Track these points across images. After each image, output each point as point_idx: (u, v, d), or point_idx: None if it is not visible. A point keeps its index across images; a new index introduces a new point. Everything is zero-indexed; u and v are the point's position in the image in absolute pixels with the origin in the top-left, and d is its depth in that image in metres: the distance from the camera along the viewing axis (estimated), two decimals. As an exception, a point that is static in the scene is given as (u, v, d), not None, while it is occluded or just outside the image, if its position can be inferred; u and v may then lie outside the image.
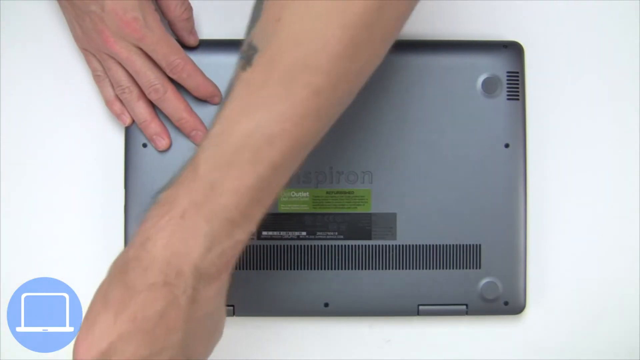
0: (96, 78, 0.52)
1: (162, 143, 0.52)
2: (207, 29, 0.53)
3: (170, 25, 0.51)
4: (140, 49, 0.49)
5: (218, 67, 0.52)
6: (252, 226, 0.39)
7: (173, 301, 0.38)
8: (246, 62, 0.38)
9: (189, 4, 0.51)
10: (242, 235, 0.39)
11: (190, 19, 0.51)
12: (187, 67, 0.50)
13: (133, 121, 0.52)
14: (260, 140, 0.37)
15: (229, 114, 0.38)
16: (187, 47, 0.52)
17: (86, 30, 0.49)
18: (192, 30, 0.52)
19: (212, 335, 0.42)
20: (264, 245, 0.52)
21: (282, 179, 0.39)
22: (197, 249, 0.38)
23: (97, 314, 0.39)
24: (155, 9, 0.49)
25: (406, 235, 0.52)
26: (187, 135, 0.52)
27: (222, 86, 0.52)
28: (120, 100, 0.52)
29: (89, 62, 0.52)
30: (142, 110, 0.51)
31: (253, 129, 0.37)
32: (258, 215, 0.39)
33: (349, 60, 0.37)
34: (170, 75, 0.50)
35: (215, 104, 0.52)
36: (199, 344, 0.41)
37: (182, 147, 0.52)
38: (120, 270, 0.39)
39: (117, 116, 0.52)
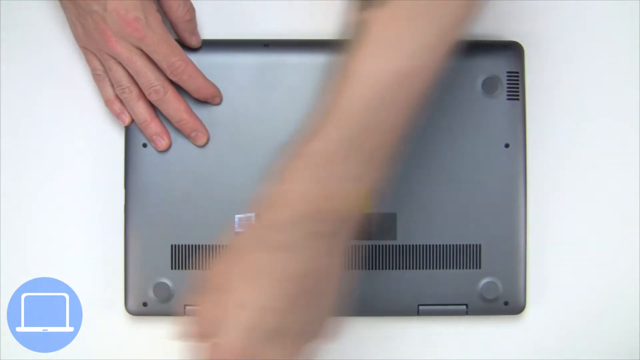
0: (96, 77, 0.52)
1: (162, 143, 0.52)
2: (209, 29, 0.53)
3: (172, 26, 0.51)
4: (141, 50, 0.49)
5: (219, 67, 0.52)
6: (387, 163, 0.40)
7: (329, 249, 0.39)
8: (378, 2, 0.39)
9: (192, 5, 0.51)
10: (379, 172, 0.40)
11: (192, 20, 0.51)
12: (187, 69, 0.50)
13: (132, 121, 0.52)
14: (401, 76, 0.38)
15: (366, 54, 0.38)
16: (188, 49, 0.51)
17: (88, 30, 0.49)
18: (195, 32, 0.52)
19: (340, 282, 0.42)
20: (264, 245, 0.52)
21: (413, 110, 0.40)
22: (350, 193, 0.39)
23: (242, 288, 0.38)
24: (157, 9, 0.49)
25: (406, 235, 0.52)
26: (187, 136, 0.52)
27: (223, 86, 0.52)
28: (120, 100, 0.52)
29: (89, 61, 0.52)
30: (142, 110, 0.51)
31: (393, 66, 0.38)
32: (393, 151, 0.40)
33: None
34: (171, 77, 0.50)
35: (215, 105, 0.52)
36: (335, 290, 0.41)
37: (182, 147, 0.52)
38: (262, 235, 0.39)
39: (117, 116, 0.52)
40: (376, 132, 0.38)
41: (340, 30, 0.41)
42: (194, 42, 0.52)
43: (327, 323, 0.41)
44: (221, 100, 0.52)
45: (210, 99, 0.51)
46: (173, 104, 0.51)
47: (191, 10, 0.51)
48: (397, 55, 0.38)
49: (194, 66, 0.50)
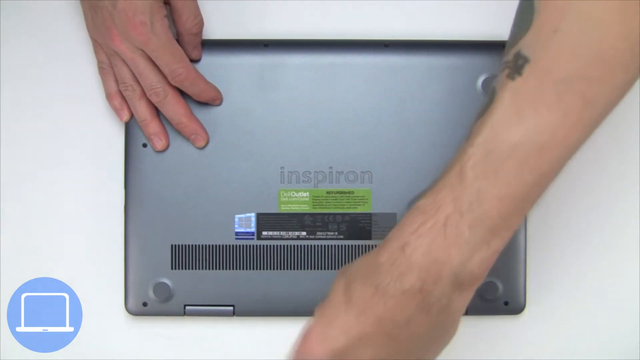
0: (101, 70, 0.52)
1: (160, 144, 0.52)
2: (209, 29, 0.53)
3: (177, 35, 0.51)
4: (145, 52, 0.49)
5: (219, 68, 0.52)
6: (509, 234, 0.39)
7: (424, 308, 0.38)
8: (514, 71, 0.38)
9: (202, 19, 0.51)
10: (500, 244, 0.39)
11: (198, 34, 0.51)
12: (189, 76, 0.50)
13: (131, 117, 0.52)
14: (529, 148, 0.37)
15: (497, 122, 0.38)
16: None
17: (97, 24, 0.49)
18: (197, 46, 0.51)
19: (446, 342, 0.42)
20: (264, 245, 0.52)
21: (544, 187, 0.39)
22: (457, 257, 0.38)
23: (337, 310, 0.39)
24: (166, 15, 0.49)
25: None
26: (187, 139, 0.52)
27: (223, 86, 0.52)
28: (121, 95, 0.52)
29: (96, 53, 0.52)
30: (143, 109, 0.51)
31: (523, 137, 0.37)
32: (516, 224, 0.39)
33: (624, 71, 0.38)
34: (172, 82, 0.50)
35: (216, 106, 0.52)
36: (432, 350, 0.41)
37: (182, 147, 0.52)
38: (369, 271, 0.39)
39: (116, 111, 0.52)
40: (491, 200, 0.38)
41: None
42: (194, 55, 0.52)
43: None
44: (222, 101, 0.52)
45: (211, 101, 0.52)
46: (173, 107, 0.51)
47: (200, 24, 0.51)
48: (523, 127, 0.37)
49: (196, 72, 0.50)
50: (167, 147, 0.52)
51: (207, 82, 0.51)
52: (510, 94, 0.38)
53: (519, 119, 0.37)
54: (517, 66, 0.38)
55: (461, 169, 0.38)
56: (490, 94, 0.40)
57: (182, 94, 0.51)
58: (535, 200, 0.39)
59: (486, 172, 0.38)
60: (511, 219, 0.38)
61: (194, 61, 0.52)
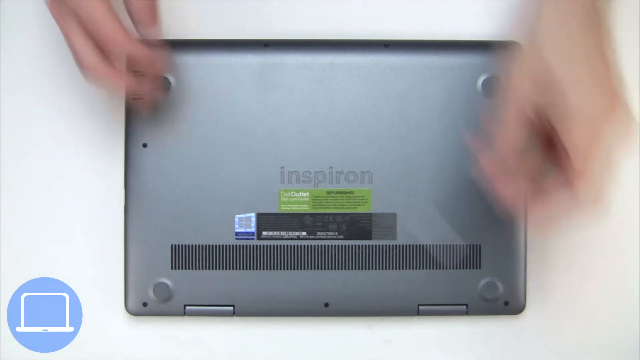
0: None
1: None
2: (209, 29, 0.53)
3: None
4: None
5: (219, 67, 0.52)
6: None
7: None
8: None
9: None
10: None
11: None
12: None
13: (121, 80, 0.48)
14: None
15: None
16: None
17: None
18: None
19: None
20: (264, 245, 0.52)
21: None
22: None
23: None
24: None
25: (406, 235, 0.52)
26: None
27: (225, 86, 0.52)
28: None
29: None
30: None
31: None
32: None
33: None
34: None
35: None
36: None
37: (182, 147, 0.52)
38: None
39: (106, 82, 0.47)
40: None
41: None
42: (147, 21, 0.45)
43: None
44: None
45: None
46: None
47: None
48: None
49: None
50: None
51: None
52: None
53: None
54: None
55: None
56: None
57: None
58: None
59: None
60: None
61: (149, 28, 0.46)
